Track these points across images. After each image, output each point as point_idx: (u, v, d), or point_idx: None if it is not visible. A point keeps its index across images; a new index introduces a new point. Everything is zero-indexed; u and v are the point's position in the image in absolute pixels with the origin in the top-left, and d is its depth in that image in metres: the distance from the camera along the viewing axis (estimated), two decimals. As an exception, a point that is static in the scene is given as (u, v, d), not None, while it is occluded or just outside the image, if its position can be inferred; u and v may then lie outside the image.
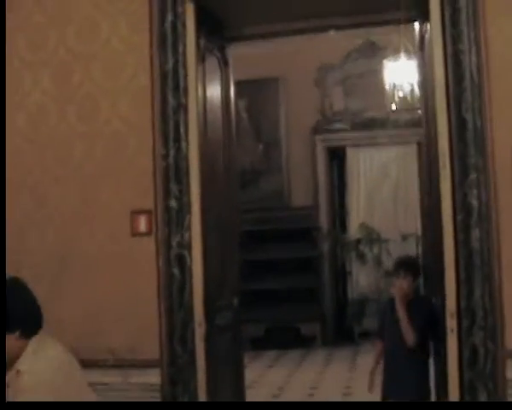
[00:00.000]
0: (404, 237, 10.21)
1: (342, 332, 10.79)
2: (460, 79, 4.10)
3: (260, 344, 10.57)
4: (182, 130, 4.37)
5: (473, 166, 4.06)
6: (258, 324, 10.63)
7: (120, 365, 4.42)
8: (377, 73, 9.99)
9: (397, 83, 8.45)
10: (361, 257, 10.24)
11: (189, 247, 4.34)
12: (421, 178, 10.82)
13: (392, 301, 5.09)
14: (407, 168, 11.06)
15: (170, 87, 4.37)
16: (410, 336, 4.62)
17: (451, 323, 4.11)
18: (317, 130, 11.02)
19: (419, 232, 10.70)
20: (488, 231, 4.06)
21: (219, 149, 5.05)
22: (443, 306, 4.21)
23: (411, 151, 10.93)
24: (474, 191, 4.05)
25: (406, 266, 4.92)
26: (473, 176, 4.05)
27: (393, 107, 8.32)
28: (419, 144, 10.87)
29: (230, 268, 5.02)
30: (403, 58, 8.25)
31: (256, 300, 10.78)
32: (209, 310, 4.43)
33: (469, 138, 4.07)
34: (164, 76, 4.39)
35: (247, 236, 10.93)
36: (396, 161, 11.15)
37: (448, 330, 4.12)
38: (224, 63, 5.08)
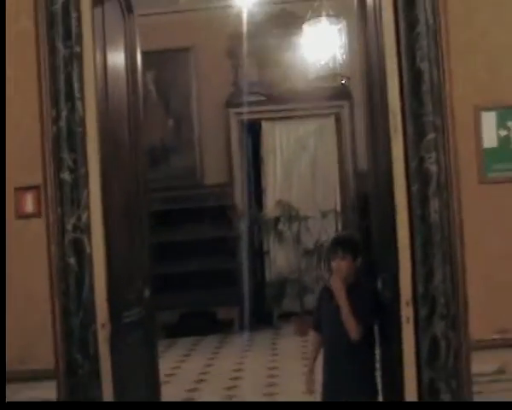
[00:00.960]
0: (324, 214, 9.51)
1: (261, 315, 10.05)
2: (413, 22, 3.33)
3: (175, 331, 9.72)
4: (76, 85, 3.42)
5: (430, 126, 3.30)
6: (171, 310, 9.75)
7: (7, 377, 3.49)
8: (295, 44, 9.25)
9: (317, 49, 7.66)
10: (279, 236, 9.48)
11: (87, 230, 3.43)
12: (340, 151, 10.19)
13: (328, 286, 4.33)
14: (325, 142, 10.37)
15: (59, 32, 3.44)
16: (353, 328, 3.85)
17: (407, 311, 3.35)
18: (230, 103, 10.18)
19: (338, 208, 10.06)
20: (448, 202, 3.32)
21: (123, 115, 4.15)
22: (394, 291, 3.47)
23: (330, 124, 10.26)
24: (432, 155, 3.29)
25: (345, 244, 4.13)
26: (430, 136, 3.29)
27: (312, 75, 7.52)
28: (337, 117, 10.23)
29: (140, 255, 4.16)
30: (324, 22, 7.48)
31: (168, 284, 9.89)
32: (115, 307, 3.53)
33: (425, 93, 3.31)
34: (51, 18, 3.45)
35: (157, 216, 10.03)
36: (314, 134, 10.44)
37: (403, 320, 3.37)
38: (127, 9, 4.16)
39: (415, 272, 3.33)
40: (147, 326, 4.15)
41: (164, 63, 10.22)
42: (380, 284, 3.91)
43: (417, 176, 3.30)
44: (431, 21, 3.29)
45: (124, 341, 3.62)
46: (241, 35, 10.05)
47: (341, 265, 4.06)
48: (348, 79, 7.25)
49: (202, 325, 9.78)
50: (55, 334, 3.46)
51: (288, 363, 7.72)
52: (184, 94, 10.24)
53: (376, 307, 3.97)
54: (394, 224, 3.37)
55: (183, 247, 9.93)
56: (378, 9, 3.53)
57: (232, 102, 10.16)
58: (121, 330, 3.59)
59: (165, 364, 8.45)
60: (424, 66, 3.30)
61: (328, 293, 4.20)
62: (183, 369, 8.04)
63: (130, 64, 4.28)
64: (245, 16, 10.01)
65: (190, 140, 10.22)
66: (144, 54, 10.26)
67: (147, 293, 4.14)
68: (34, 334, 3.47)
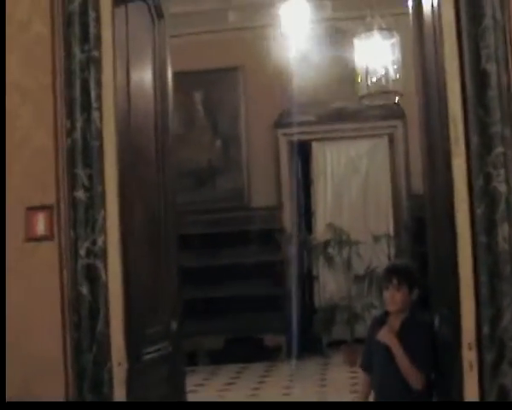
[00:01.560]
0: (376, 239, 8.93)
1: (309, 343, 9.48)
2: (477, 16, 2.81)
3: (219, 358, 9.23)
4: (93, 93, 3.00)
5: (498, 138, 2.77)
6: (216, 335, 9.30)
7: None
8: (346, 62, 8.78)
9: (369, 65, 7.15)
10: (329, 261, 8.93)
11: (103, 255, 2.98)
12: (394, 172, 9.61)
13: (382, 318, 3.80)
14: (378, 163, 9.80)
15: (76, 34, 3.02)
16: (414, 378, 3.31)
17: (470, 356, 2.81)
18: (279, 123, 9.72)
19: (391, 233, 9.46)
20: (520, 228, 2.78)
21: (149, 131, 3.68)
22: (455, 331, 2.92)
23: (382, 145, 9.70)
24: (501, 172, 2.76)
25: (401, 273, 3.62)
26: (498, 150, 2.76)
27: (364, 91, 7.00)
28: (390, 137, 9.67)
29: (166, 283, 3.67)
30: (376, 36, 6.98)
31: (214, 309, 9.48)
32: (134, 343, 3.07)
33: (492, 99, 2.79)
34: (67, 19, 3.03)
35: (203, 239, 9.63)
36: (365, 155, 9.89)
37: (465, 366, 2.83)
38: (156, 13, 3.70)
39: (479, 311, 2.78)
40: (173, 363, 3.65)
41: (212, 83, 9.82)
42: (437, 322, 3.37)
43: (483, 196, 2.77)
44: (498, 15, 2.76)
45: (144, 381, 3.14)
46: (292, 54, 9.61)
47: (396, 296, 3.56)
48: (401, 95, 6.71)
49: (248, 351, 9.26)
50: (66, 371, 3.01)
51: (337, 394, 7.17)
52: (232, 114, 9.82)
53: (434, 348, 3.43)
54: (455, 252, 2.83)
55: (230, 271, 9.45)
56: (436, 6, 3.01)
57: (281, 123, 9.69)
58: (141, 369, 3.11)
59: (208, 391, 8.02)
60: (491, 67, 2.78)
61: (380, 326, 3.68)
62: (226, 398, 7.56)
63: (159, 76, 3.81)
64: (295, 35, 9.57)
65: (238, 161, 9.78)
66: (192, 73, 10.04)
67: (174, 326, 3.64)
68: (42, 370, 3.03)
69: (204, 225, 9.65)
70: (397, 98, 6.95)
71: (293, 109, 9.66)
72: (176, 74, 9.85)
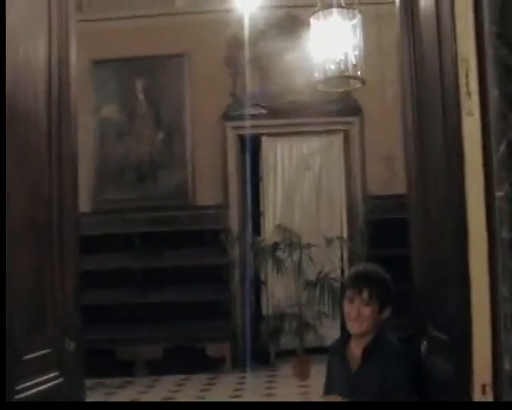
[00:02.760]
0: (329, 242, 8.04)
1: (256, 353, 8.53)
2: None
3: (158, 368, 8.22)
4: None
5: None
6: (155, 344, 8.28)
7: None
8: (300, 51, 7.90)
9: (326, 48, 6.22)
10: (278, 265, 8.01)
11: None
12: (349, 172, 8.73)
13: (341, 344, 2.87)
14: (332, 162, 8.91)
15: None
16: None
17: (484, 398, 1.90)
18: (227, 115, 8.77)
19: (345, 235, 8.57)
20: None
21: (37, 117, 2.70)
22: (461, 367, 2.00)
23: (337, 142, 8.80)
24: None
25: (374, 283, 2.71)
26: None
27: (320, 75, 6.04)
28: (346, 134, 8.79)
29: (57, 292, 2.67)
30: (335, 15, 6.06)
31: (151, 316, 8.46)
32: (5, 374, 2.08)
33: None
34: None
35: (142, 239, 8.61)
36: (319, 152, 8.99)
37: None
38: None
39: (498, 338, 1.86)
40: (68, 396, 2.65)
41: (155, 70, 8.82)
42: (424, 349, 2.44)
43: (506, 174, 1.85)
44: None
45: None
46: (241, 41, 8.68)
47: (364, 313, 2.64)
48: (363, 83, 5.79)
49: (189, 361, 8.27)
50: None
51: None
52: (177, 105, 8.82)
53: (416, 379, 2.51)
54: (464, 254, 1.91)
55: (170, 274, 8.46)
56: None
57: (229, 115, 8.74)
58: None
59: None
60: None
61: (341, 348, 2.77)
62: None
63: (58, 52, 2.85)
64: (246, 21, 8.65)
65: (182, 156, 8.78)
66: (134, 60, 9.01)
67: (70, 346, 2.64)
68: None
69: (144, 224, 8.64)
70: (357, 85, 6.03)
71: (242, 101, 8.75)
72: (116, 61, 8.90)
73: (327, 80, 5.86)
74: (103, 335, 8.32)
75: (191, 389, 7.53)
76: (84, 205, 8.79)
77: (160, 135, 8.82)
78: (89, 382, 7.96)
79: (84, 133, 9.10)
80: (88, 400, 6.94)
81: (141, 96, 8.85)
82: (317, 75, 5.59)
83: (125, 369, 8.21)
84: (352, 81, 6.09)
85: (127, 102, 8.86)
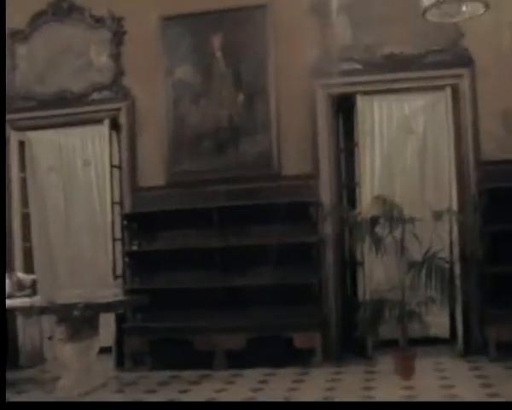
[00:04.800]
0: (437, 216, 6.83)
1: (351, 344, 7.46)
2: None
3: (240, 360, 7.27)
4: None
5: None
6: (236, 333, 7.32)
7: None
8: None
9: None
10: (377, 242, 6.86)
11: None
12: (458, 133, 7.48)
13: None
14: (437, 122, 7.66)
15: None
16: None
17: None
18: (316, 72, 7.65)
19: (455, 208, 7.32)
20: None
21: None
22: None
23: (444, 99, 7.51)
24: None
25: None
26: None
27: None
28: (454, 89, 7.51)
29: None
30: None
31: (233, 300, 7.52)
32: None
33: None
34: None
35: (224, 214, 7.66)
36: (423, 112, 7.77)
37: None
38: None
39: None
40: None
41: (234, 24, 7.80)
42: None
43: None
44: None
45: None
46: (332, -14, 7.55)
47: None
48: (485, 5, 4.58)
49: (275, 353, 7.29)
50: None
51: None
52: (259, 62, 7.75)
53: None
54: None
55: (253, 254, 7.48)
56: None
57: (319, 72, 7.61)
58: None
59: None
60: None
61: None
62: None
63: None
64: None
65: (265, 120, 7.72)
66: (210, 14, 7.95)
67: None
68: None
69: (224, 198, 7.69)
70: (475, 11, 4.80)
71: (333, 55, 7.61)
72: (189, 16, 7.86)
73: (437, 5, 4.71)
74: (179, 323, 7.50)
75: (277, 385, 6.52)
76: (158, 178, 8.00)
77: (241, 97, 7.80)
78: (163, 375, 7.19)
79: (155, 98, 8.26)
80: (156, 398, 6.13)
81: (218, 54, 7.85)
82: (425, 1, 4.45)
83: (203, 361, 7.31)
84: (466, 9, 4.91)
85: (203, 62, 7.88)
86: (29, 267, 8.49)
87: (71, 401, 5.76)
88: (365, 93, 7.59)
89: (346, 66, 7.56)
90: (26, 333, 8.27)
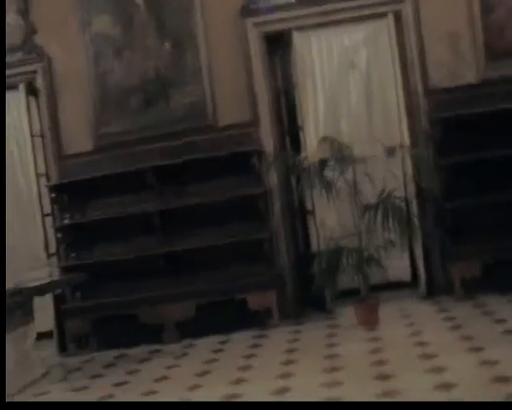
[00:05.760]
0: (389, 152, 6.31)
1: (308, 299, 6.96)
2: None
3: (191, 330, 6.70)
4: None
5: None
6: (184, 301, 6.73)
7: None
8: None
9: None
10: (327, 187, 6.32)
11: None
12: (404, 63, 6.95)
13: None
14: (381, 52, 7.11)
15: None
16: None
17: None
18: (247, 10, 6.99)
19: (407, 143, 6.81)
20: None
21: None
22: None
23: (385, 26, 6.95)
24: None
25: None
26: None
27: None
28: (396, 16, 6.96)
29: None
30: None
31: (178, 266, 6.93)
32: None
33: None
34: None
35: (160, 174, 7.02)
36: (365, 43, 7.19)
37: None
38: None
39: None
40: None
41: (153, -35, 7.10)
42: None
43: None
44: None
45: None
46: None
47: None
48: None
49: (228, 318, 6.74)
50: None
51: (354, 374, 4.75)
52: (184, 5, 7.07)
53: None
54: None
55: (195, 213, 6.89)
56: None
57: (249, 9, 6.96)
58: None
59: (183, 371, 5.56)
60: None
61: None
62: (207, 379, 5.10)
63: None
64: None
65: (196, 67, 7.05)
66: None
67: None
68: None
69: (158, 157, 7.03)
70: None
71: (263, -11, 6.98)
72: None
73: None
74: (122, 297, 6.87)
75: (234, 352, 6.00)
76: (84, 143, 7.31)
77: (167, 45, 7.11)
78: (110, 355, 6.57)
79: (73, 55, 7.43)
80: (106, 380, 5.53)
81: (139, 1, 7.13)
82: None
83: (152, 335, 6.72)
84: None
85: (122, 11, 7.14)
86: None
87: (70, 401, 5.16)
88: (301, 28, 6.98)
89: (277, 0, 6.94)
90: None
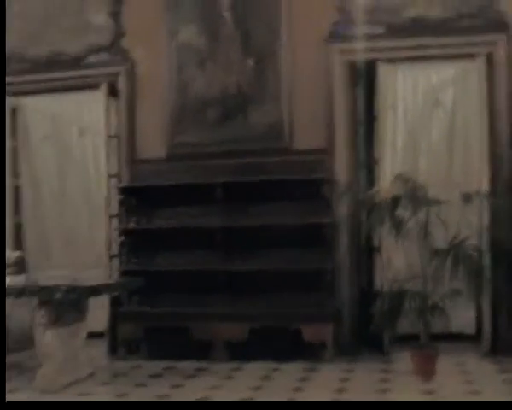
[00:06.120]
0: (466, 198, 6.05)
1: (365, 338, 6.73)
2: None
3: (241, 352, 6.58)
4: None
5: None
6: (239, 322, 6.62)
7: None
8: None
9: None
10: (397, 226, 6.10)
11: None
12: (491, 107, 6.67)
13: None
14: (469, 94, 6.86)
15: None
16: None
17: None
18: (333, 36, 6.87)
19: (486, 190, 6.51)
20: None
21: None
22: None
23: (476, 67, 6.71)
24: None
25: None
26: None
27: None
28: (488, 58, 6.69)
29: None
30: None
31: (237, 286, 6.82)
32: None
33: None
34: None
35: (229, 191, 6.93)
36: (452, 82, 6.97)
37: None
38: None
39: None
40: None
41: (245, -19, 7.06)
42: None
43: None
44: None
45: None
46: None
47: None
48: None
49: (281, 346, 6.57)
50: None
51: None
52: (271, 23, 6.99)
53: None
54: None
55: (260, 235, 6.77)
56: None
57: (336, 35, 6.84)
58: None
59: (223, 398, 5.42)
60: None
61: None
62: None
63: None
64: None
65: (277, 87, 6.96)
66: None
67: None
68: None
69: (229, 173, 6.95)
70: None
71: (353, 17, 6.83)
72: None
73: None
74: (176, 308, 6.80)
75: (281, 382, 5.82)
76: (158, 149, 7.28)
77: (250, 62, 7.04)
78: (157, 366, 6.49)
79: (157, 62, 7.49)
80: (149, 391, 5.44)
81: (226, 14, 7.09)
82: None
83: (202, 351, 6.61)
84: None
85: (210, 22, 7.12)
86: (20, 244, 7.84)
87: (70, 401, 5.13)
88: (388, 60, 6.81)
89: (366, 29, 6.77)
90: (15, 315, 7.62)
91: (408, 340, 6.34)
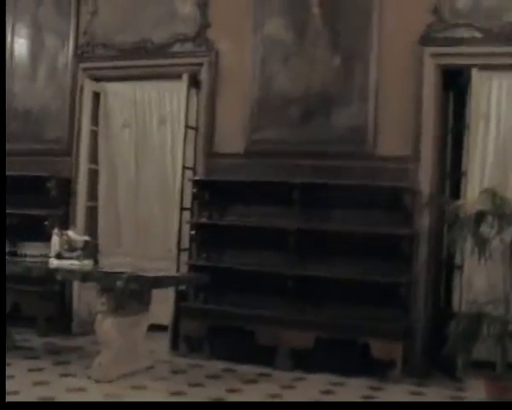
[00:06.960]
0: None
1: (438, 360, 6.32)
2: None
3: (306, 361, 6.29)
4: None
5: None
6: (305, 329, 6.32)
7: None
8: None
9: None
10: (481, 244, 5.69)
11: None
12: None
13: None
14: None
15: None
16: None
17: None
18: (426, 39, 6.50)
19: None
20: None
21: None
22: None
23: None
24: None
25: None
26: None
27: None
28: None
29: None
30: None
31: (307, 292, 6.53)
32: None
33: None
34: None
35: (306, 193, 6.66)
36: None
37: None
38: None
39: None
40: None
41: (336, -23, 6.76)
42: None
43: None
44: None
45: None
46: None
47: None
48: None
49: (347, 359, 6.25)
50: None
51: None
52: (361, 22, 6.67)
53: None
54: None
55: (335, 240, 6.46)
56: None
57: (429, 38, 6.46)
58: None
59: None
60: None
61: None
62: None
63: None
64: None
65: (363, 89, 6.64)
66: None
67: None
68: None
69: (308, 173, 6.67)
70: None
71: (448, 19, 6.44)
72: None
73: None
74: (242, 309, 6.56)
75: (344, 398, 5.50)
76: (236, 144, 7.07)
77: (337, 60, 6.74)
78: (218, 366, 6.27)
79: (241, 54, 7.28)
80: (204, 392, 5.22)
81: (315, 10, 6.81)
82: None
83: (265, 356, 6.36)
84: None
85: (297, 17, 6.86)
86: (93, 229, 7.79)
87: (70, 401, 4.98)
88: (483, 67, 6.36)
89: (461, 33, 6.37)
90: (82, 299, 7.59)
91: (483, 367, 5.92)
